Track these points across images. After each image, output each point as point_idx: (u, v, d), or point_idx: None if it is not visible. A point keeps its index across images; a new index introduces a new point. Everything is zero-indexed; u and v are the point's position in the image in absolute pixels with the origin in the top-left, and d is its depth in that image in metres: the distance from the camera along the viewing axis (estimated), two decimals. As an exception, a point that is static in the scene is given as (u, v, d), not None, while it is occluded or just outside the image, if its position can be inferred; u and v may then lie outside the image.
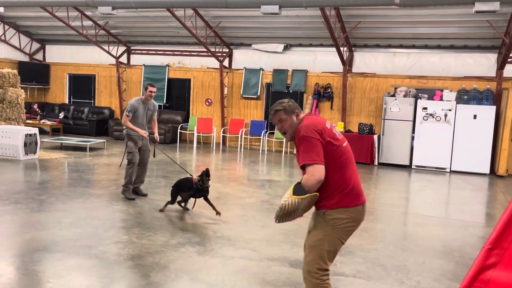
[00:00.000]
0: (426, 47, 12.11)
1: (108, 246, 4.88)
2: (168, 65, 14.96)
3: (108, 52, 14.82)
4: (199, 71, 14.59)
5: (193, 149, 13.31)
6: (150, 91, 6.93)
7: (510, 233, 1.44)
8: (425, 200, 8.31)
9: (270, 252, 4.94)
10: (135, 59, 15.50)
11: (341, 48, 11.87)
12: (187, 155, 12.14)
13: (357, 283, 4.23)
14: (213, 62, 14.15)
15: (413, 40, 12.01)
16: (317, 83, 13.03)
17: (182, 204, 6.47)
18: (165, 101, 14.96)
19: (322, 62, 13.08)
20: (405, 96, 11.53)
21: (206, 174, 6.10)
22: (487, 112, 10.80)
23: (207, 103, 14.51)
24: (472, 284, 1.45)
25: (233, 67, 14.25)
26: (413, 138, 11.45)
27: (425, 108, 11.22)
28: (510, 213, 1.45)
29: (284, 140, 12.87)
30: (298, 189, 2.79)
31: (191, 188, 6.20)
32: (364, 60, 12.72)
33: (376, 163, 11.67)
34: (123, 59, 15.52)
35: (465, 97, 11.19)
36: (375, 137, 11.70)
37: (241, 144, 13.47)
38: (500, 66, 11.07)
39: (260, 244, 5.19)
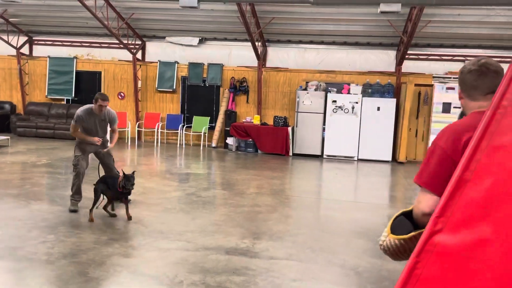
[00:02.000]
0: (334, 43, 12.87)
1: (35, 246, 4.68)
2: (76, 57, 14.25)
3: (7, 42, 13.75)
4: (110, 63, 14.10)
5: (107, 144, 12.87)
6: (100, 105, 5.98)
7: (452, 203, 1.74)
8: (339, 187, 8.94)
9: (204, 242, 5.07)
10: (39, 51, 14.53)
11: (256, 43, 12.20)
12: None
13: (290, 265, 4.53)
14: (125, 55, 13.76)
15: (322, 37, 12.70)
16: (233, 77, 13.26)
17: (108, 208, 5.86)
18: (73, 95, 14.25)
19: (237, 56, 13.33)
20: (316, 90, 12.18)
21: (128, 179, 5.64)
22: (389, 104, 11.80)
23: (120, 97, 14.09)
24: (424, 247, 1.74)
25: (146, 60, 13.97)
26: (324, 129, 12.15)
27: (334, 101, 11.95)
28: (452, 187, 1.75)
29: (202, 132, 12.96)
30: (400, 224, 2.10)
31: (114, 187, 5.70)
32: (277, 55, 13.19)
33: (290, 154, 12.21)
34: (25, 50, 14.47)
35: (369, 90, 12.11)
36: (290, 129, 12.23)
37: (157, 139, 13.30)
38: (399, 62, 12.14)
39: (193, 235, 5.30)
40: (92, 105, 6.10)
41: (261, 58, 12.86)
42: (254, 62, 13.01)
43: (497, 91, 1.77)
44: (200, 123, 13.25)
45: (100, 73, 14.21)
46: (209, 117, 13.38)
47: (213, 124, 13.37)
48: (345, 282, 4.19)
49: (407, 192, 8.62)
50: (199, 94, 13.71)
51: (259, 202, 7.00)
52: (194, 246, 4.93)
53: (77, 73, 14.22)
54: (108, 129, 6.56)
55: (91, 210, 5.67)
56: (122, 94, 14.07)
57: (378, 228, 6.03)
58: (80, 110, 6.10)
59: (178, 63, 13.60)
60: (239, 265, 4.43)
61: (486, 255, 1.65)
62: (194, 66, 13.48)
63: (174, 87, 13.62)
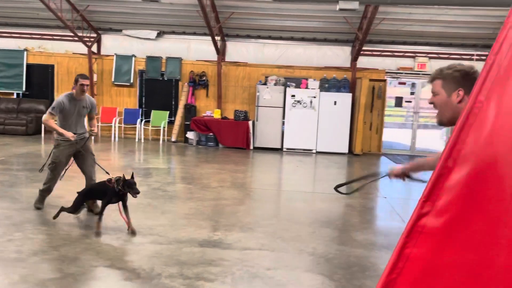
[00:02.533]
0: (292, 39, 13.11)
1: (2, 244, 4.56)
2: (26, 50, 13.70)
3: (-49, 33, 13.04)
4: (64, 56, 13.67)
5: (62, 140, 12.51)
6: (82, 84, 5.52)
7: (437, 188, 1.92)
8: (301, 179, 9.19)
9: (176, 235, 5.12)
10: (-15, 42, 13.87)
11: (216, 38, 12.22)
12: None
13: (263, 255, 4.67)
14: (80, 48, 13.38)
15: (280, 32, 12.90)
16: (192, 71, 13.22)
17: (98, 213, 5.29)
18: (24, 89, 13.72)
19: (196, 50, 13.30)
20: (275, 84, 12.37)
21: (130, 185, 5.00)
22: (345, 98, 12.18)
23: (74, 91, 13.68)
24: (412, 228, 1.91)
25: (102, 53, 13.66)
26: (283, 123, 12.38)
27: (293, 96, 12.20)
28: (436, 174, 1.94)
29: (162, 127, 12.85)
30: None
31: (106, 193, 5.08)
32: (236, 50, 13.27)
33: (251, 147, 12.36)
34: (-30, 41, 13.77)
35: (327, 85, 12.44)
36: (250, 123, 12.37)
37: (115, 134, 13.06)
38: (354, 58, 12.54)
39: (164, 229, 5.33)
40: (71, 91, 5.68)
41: (221, 52, 12.89)
42: (213, 56, 13.02)
43: (474, 87, 1.96)
44: (159, 117, 13.13)
45: (53, 66, 13.74)
46: (168, 111, 13.29)
47: (173, 119, 13.30)
48: (317, 269, 4.38)
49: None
50: (158, 88, 13.57)
51: (225, 195, 7.10)
52: (167, 239, 4.97)
53: (28, 66, 13.69)
54: (86, 122, 6.12)
55: (56, 216, 5.29)
56: (76, 88, 13.66)
57: (342, 218, 6.31)
58: (60, 96, 5.65)
59: (135, 56, 13.39)
60: (214, 256, 4.52)
61: (469, 235, 1.85)
62: (152, 60, 13.32)
63: (132, 81, 13.41)
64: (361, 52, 12.43)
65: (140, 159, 10.52)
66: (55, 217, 5.33)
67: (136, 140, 13.04)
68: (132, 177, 5.13)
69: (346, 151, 12.25)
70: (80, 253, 4.42)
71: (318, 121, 12.21)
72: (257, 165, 10.64)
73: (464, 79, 2.25)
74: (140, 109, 13.46)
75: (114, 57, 13.40)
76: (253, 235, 5.25)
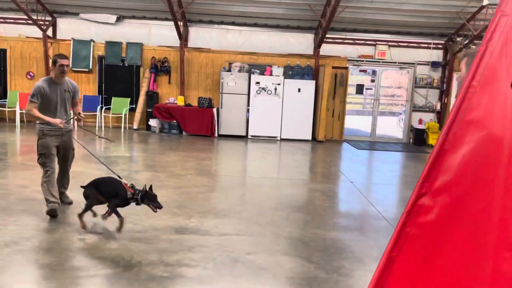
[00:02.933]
0: (255, 25, 13.08)
1: (-31, 237, 4.36)
2: (-25, 33, 12.97)
3: None
4: (17, 40, 13.04)
5: (17, 128, 12.00)
6: (62, 65, 4.99)
7: (434, 170, 2.01)
8: (268, 165, 9.28)
9: (152, 223, 5.06)
10: None
11: (178, 23, 12.01)
12: (9, 136, 10.93)
13: (242, 240, 4.71)
14: (34, 31, 12.81)
15: (244, 18, 12.84)
16: (153, 57, 12.96)
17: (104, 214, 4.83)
18: (-26, 74, 13.02)
19: (157, 35, 13.03)
20: (239, 71, 12.35)
21: (150, 197, 4.54)
22: (309, 86, 12.34)
23: (29, 77, 13.13)
24: (412, 208, 2.00)
25: (58, 37, 13.13)
26: (248, 110, 12.40)
27: (258, 83, 12.23)
28: (434, 156, 2.03)
29: (123, 114, 12.56)
30: None
31: (118, 195, 4.59)
32: (199, 36, 13.11)
33: (216, 135, 12.32)
34: None
35: (290, 72, 12.55)
36: (214, 110, 12.31)
37: (73, 121, 12.60)
38: (317, 46, 12.69)
39: (139, 217, 5.25)
40: (50, 76, 5.15)
41: (183, 38, 12.70)
42: (175, 42, 12.81)
43: (468, 74, 2.06)
44: (120, 104, 12.82)
45: (5, 50, 13.09)
46: (130, 98, 13.00)
47: (134, 106, 13.03)
48: (296, 252, 4.47)
49: (328, 168, 9.17)
50: (118, 74, 13.22)
51: (195, 183, 7.07)
52: (142, 227, 4.91)
53: (-22, 50, 12.97)
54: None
55: (80, 216, 4.74)
56: (31, 73, 13.12)
57: (313, 202, 6.44)
58: (39, 81, 5.10)
59: (94, 41, 12.97)
60: (193, 243, 4.52)
61: (464, 213, 1.96)
62: (112, 45, 12.95)
63: (90, 67, 13.00)
64: (324, 40, 12.58)
65: (101, 147, 10.26)
66: (83, 227, 4.71)
67: (96, 127, 12.69)
68: (151, 188, 4.62)
69: (310, 138, 12.44)
70: (55, 243, 4.30)
71: (283, 108, 12.32)
72: (224, 152, 10.63)
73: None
74: (100, 96, 13.09)
75: (71, 41, 12.92)
76: (229, 221, 5.27)
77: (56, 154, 5.28)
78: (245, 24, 13.06)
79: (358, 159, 10.46)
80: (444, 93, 12.96)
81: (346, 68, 12.91)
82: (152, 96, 12.75)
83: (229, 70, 12.42)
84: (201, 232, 4.86)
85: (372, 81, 13.59)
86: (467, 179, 1.98)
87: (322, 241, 4.81)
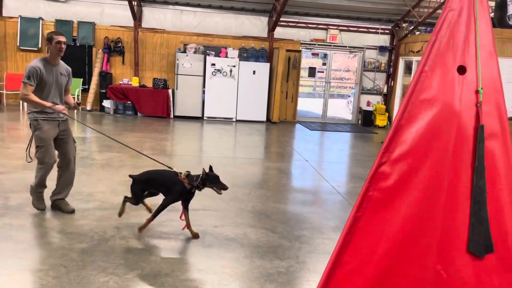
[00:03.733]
0: (210, 7, 13.12)
1: None
2: None
3: None
4: (-42, 16, 12.39)
5: (-39, 109, 11.51)
6: (58, 42, 4.40)
7: (392, 142, 2.35)
8: (226, 145, 9.52)
9: (119, 201, 5.13)
10: None
11: (132, 2, 11.86)
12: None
13: (209, 214, 4.98)
14: (-23, 7, 12.21)
15: (198, 0, 12.86)
16: (106, 37, 12.73)
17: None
18: None
19: (110, 15, 12.79)
20: (195, 52, 12.41)
21: (212, 179, 4.18)
22: (263, 68, 12.61)
23: (-28, 55, 12.54)
24: (374, 175, 2.33)
25: (4, 14, 12.59)
26: (204, 92, 12.52)
27: (213, 64, 12.35)
28: (392, 130, 2.37)
29: (75, 95, 12.31)
30: None
31: (172, 188, 4.20)
32: (153, 16, 13.00)
33: (172, 116, 12.38)
34: None
35: (245, 54, 12.75)
36: (170, 91, 12.35)
37: (23, 102, 12.25)
38: (272, 28, 12.95)
39: (105, 195, 5.38)
40: (44, 56, 4.56)
41: (137, 18, 12.56)
42: (129, 22, 12.64)
43: (421, 59, 2.41)
44: (72, 85, 12.53)
45: None
46: (82, 79, 12.73)
47: (87, 86, 12.79)
48: (260, 224, 4.79)
49: (284, 148, 9.55)
50: (69, 54, 12.73)
51: (157, 163, 7.21)
52: (111, 205, 5.05)
53: None
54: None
55: (122, 211, 4.48)
56: (-25, 52, 12.53)
57: (271, 179, 6.78)
58: (33, 62, 4.41)
59: (43, 19, 12.55)
60: (164, 218, 4.71)
61: (417, 178, 2.32)
62: (62, 24, 12.58)
63: (40, 46, 12.59)
64: (278, 23, 12.84)
65: (57, 129, 10.11)
66: (120, 214, 4.49)
67: (48, 108, 12.37)
68: (211, 169, 4.28)
69: (264, 119, 12.77)
70: (26, 221, 4.38)
71: (238, 90, 12.53)
72: (181, 133, 10.75)
73: None
74: (51, 76, 12.72)
75: (19, 19, 12.43)
76: (194, 198, 5.49)
77: (57, 150, 4.68)
78: (199, 6, 13.07)
79: (311, 139, 10.91)
80: (391, 77, 13.65)
81: (299, 51, 13.28)
82: (105, 77, 12.56)
83: (184, 52, 12.46)
84: (169, 208, 5.05)
85: (324, 64, 14.05)
86: (421, 149, 2.34)
87: (283, 214, 5.16)
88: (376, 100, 13.78)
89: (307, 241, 4.39)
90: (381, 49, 13.66)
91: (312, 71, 14.16)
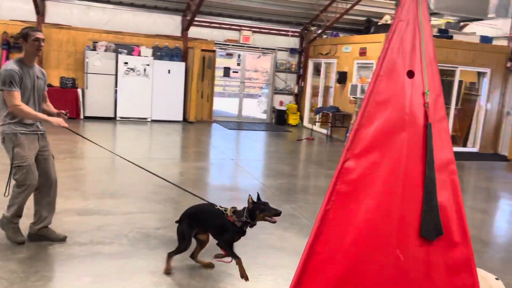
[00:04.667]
0: (120, 4, 12.69)
1: None
2: None
3: None
4: None
5: None
6: (37, 39, 3.76)
7: (355, 140, 2.56)
8: (147, 146, 9.34)
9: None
10: None
11: (36, -4, 11.10)
12: None
13: (147, 217, 4.89)
14: None
15: (108, -4, 12.38)
16: (5, 32, 11.73)
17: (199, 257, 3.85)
18: None
19: (9, 8, 11.80)
20: (106, 50, 11.92)
21: (262, 208, 3.51)
22: (179, 67, 12.50)
23: None
24: (340, 171, 2.53)
25: None
26: (116, 91, 12.08)
27: (126, 63, 11.97)
28: (355, 128, 2.58)
29: None
30: None
31: (225, 228, 3.51)
32: (58, 11, 12.23)
33: (82, 116, 11.78)
34: None
35: (159, 53, 12.54)
36: (79, 91, 11.73)
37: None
38: (186, 28, 12.87)
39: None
40: (18, 57, 3.84)
41: (41, 12, 11.75)
42: (31, 16, 11.78)
43: (376, 65, 2.66)
44: None
45: None
46: (-23, 77, 11.61)
47: (-17, 85, 11.68)
48: (200, 224, 4.83)
49: (205, 147, 9.61)
50: (-39, 50, 11.68)
51: (78, 166, 6.89)
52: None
53: None
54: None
55: (170, 256, 3.68)
56: None
57: (200, 178, 6.82)
58: (9, 65, 3.72)
59: None
60: (99, 222, 4.57)
61: (378, 172, 2.56)
62: (-48, 16, 11.36)
63: None
64: (193, 23, 12.80)
65: None
66: (168, 272, 3.64)
67: None
68: (259, 198, 3.59)
69: (181, 119, 12.67)
70: None
71: (153, 89, 12.29)
72: (96, 134, 10.28)
73: None
74: None
75: None
76: (128, 201, 5.37)
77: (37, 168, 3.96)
78: (109, 2, 12.57)
79: (232, 138, 11.08)
80: (301, 78, 14.29)
81: (214, 51, 13.37)
82: (5, 75, 11.57)
83: (94, 49, 11.91)
84: (103, 212, 4.90)
85: (238, 64, 14.29)
86: (379, 146, 2.59)
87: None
88: (288, 100, 14.34)
89: (253, 236, 4.53)
90: (292, 51, 14.24)
91: (227, 71, 14.33)
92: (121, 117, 12.17)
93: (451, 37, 10.86)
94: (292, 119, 13.92)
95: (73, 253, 3.81)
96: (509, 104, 11.29)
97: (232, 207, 3.60)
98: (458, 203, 2.67)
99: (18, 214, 3.95)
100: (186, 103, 12.79)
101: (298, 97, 14.43)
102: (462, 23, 12.46)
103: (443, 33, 10.98)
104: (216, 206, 3.68)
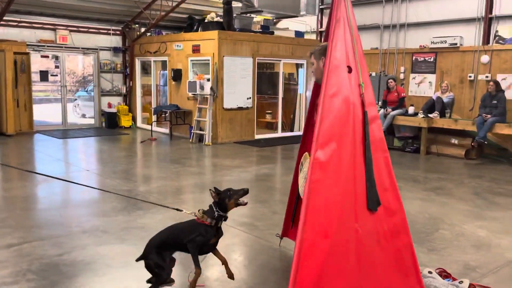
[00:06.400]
0: None
1: None
2: None
3: None
4: None
5: None
6: None
7: (319, 134, 2.78)
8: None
9: None
10: None
11: None
12: None
13: (40, 244, 4.28)
14: None
15: None
16: None
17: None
18: None
19: None
20: None
21: (230, 194, 3.30)
22: (-13, 74, 10.77)
23: None
24: (312, 161, 2.72)
25: None
26: None
27: None
28: (317, 123, 2.79)
29: None
30: None
31: (199, 234, 3.23)
32: None
33: None
34: None
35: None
36: None
37: None
38: (-11, 28, 11.14)
39: None
40: None
41: None
42: None
43: (326, 63, 2.93)
44: None
45: None
46: None
47: None
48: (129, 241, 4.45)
49: (49, 159, 8.60)
50: None
51: None
52: None
53: None
54: None
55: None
56: None
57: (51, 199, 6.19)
58: None
59: None
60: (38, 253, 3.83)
61: (338, 158, 2.86)
62: None
63: None
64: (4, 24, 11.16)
65: None
66: None
67: None
68: (217, 189, 3.35)
69: (-4, 133, 10.99)
70: None
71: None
72: None
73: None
74: None
75: None
76: (26, 214, 4.58)
77: None
78: None
79: (69, 148, 10.12)
80: (128, 77, 13.79)
81: (27, 53, 11.89)
82: None
83: None
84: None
85: (57, 66, 13.01)
86: (336, 136, 2.91)
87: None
88: (117, 101, 13.71)
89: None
90: (115, 50, 13.63)
91: (44, 75, 12.89)
92: None
93: (272, 33, 11.93)
94: (125, 121, 13.39)
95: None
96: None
97: (200, 210, 3.34)
98: (391, 177, 3.16)
99: None
100: (2, 114, 11.15)
101: (128, 98, 13.92)
102: (275, 20, 13.77)
103: (265, 29, 11.98)
104: (182, 210, 3.50)
